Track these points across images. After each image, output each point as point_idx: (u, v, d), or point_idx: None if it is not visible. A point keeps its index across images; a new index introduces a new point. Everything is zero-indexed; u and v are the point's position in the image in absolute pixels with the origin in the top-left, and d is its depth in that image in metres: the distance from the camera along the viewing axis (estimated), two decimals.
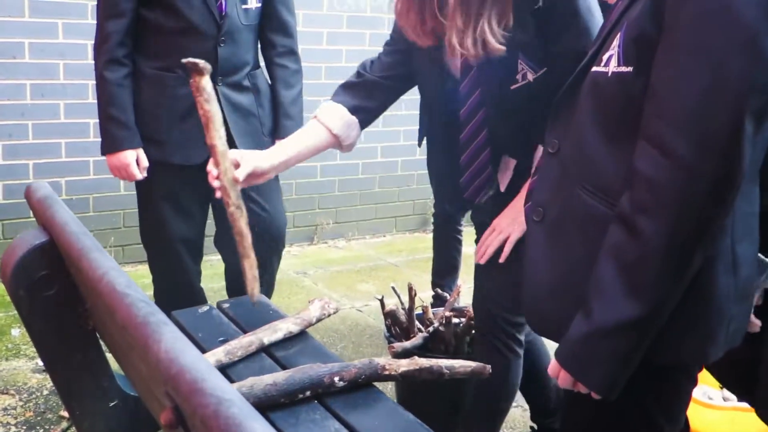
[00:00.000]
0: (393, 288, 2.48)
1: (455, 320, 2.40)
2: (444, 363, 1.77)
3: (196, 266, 2.78)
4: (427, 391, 2.40)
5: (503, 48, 1.61)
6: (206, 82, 1.70)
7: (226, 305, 2.14)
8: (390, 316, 2.46)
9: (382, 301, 2.47)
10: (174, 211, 2.63)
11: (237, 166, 1.81)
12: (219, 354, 1.78)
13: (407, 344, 2.30)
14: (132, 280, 1.27)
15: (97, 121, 3.81)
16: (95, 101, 3.78)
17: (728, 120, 1.07)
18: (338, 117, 1.93)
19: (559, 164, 1.34)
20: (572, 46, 1.63)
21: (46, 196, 1.74)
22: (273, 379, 1.62)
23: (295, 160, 1.96)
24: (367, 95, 1.96)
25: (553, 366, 1.29)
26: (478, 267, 1.99)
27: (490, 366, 1.85)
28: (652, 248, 1.13)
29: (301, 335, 1.96)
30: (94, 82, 3.76)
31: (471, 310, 2.44)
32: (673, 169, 1.10)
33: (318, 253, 4.63)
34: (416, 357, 1.77)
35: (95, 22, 3.70)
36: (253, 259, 1.82)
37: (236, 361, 1.79)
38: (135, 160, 2.53)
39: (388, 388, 2.80)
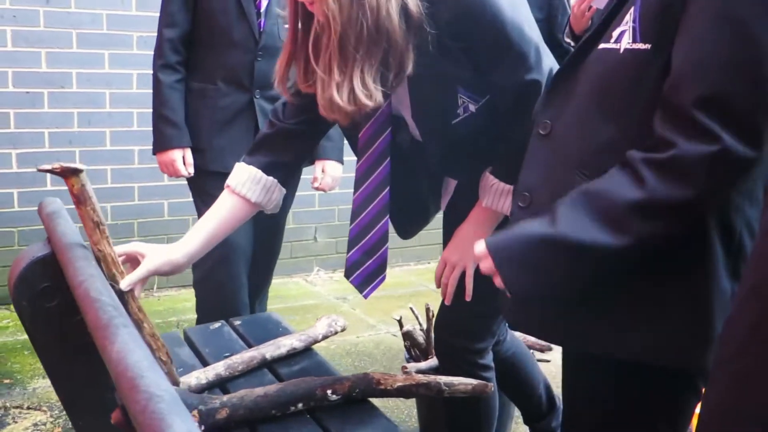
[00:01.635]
0: (411, 309, 2.47)
1: None
2: (443, 380, 1.73)
3: (242, 277, 2.76)
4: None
5: (370, 104, 1.48)
6: (74, 183, 1.45)
7: (237, 322, 2.16)
8: (408, 337, 2.43)
9: (400, 321, 2.45)
10: None
11: (136, 260, 1.66)
12: (219, 368, 1.79)
13: (422, 365, 2.27)
14: (108, 288, 1.30)
15: (142, 148, 3.98)
16: (140, 129, 3.95)
17: (754, 93, 1.04)
18: (254, 182, 1.73)
19: (551, 147, 1.29)
20: (509, 77, 1.54)
21: (54, 211, 1.80)
22: (264, 390, 1.62)
23: (215, 241, 1.74)
24: (283, 148, 1.76)
25: (482, 251, 1.26)
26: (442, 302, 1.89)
27: (492, 384, 1.81)
28: (655, 198, 1.09)
29: (307, 352, 1.96)
30: (139, 110, 3.93)
31: None
32: (699, 143, 1.06)
33: None
34: (413, 373, 1.75)
35: (139, 52, 3.87)
36: (161, 347, 1.56)
37: (237, 375, 1.80)
38: (182, 157, 2.67)
39: (413, 412, 2.77)
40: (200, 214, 2.78)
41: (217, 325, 2.15)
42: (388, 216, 1.73)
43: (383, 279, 1.78)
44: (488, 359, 1.93)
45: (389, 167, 1.69)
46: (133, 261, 1.68)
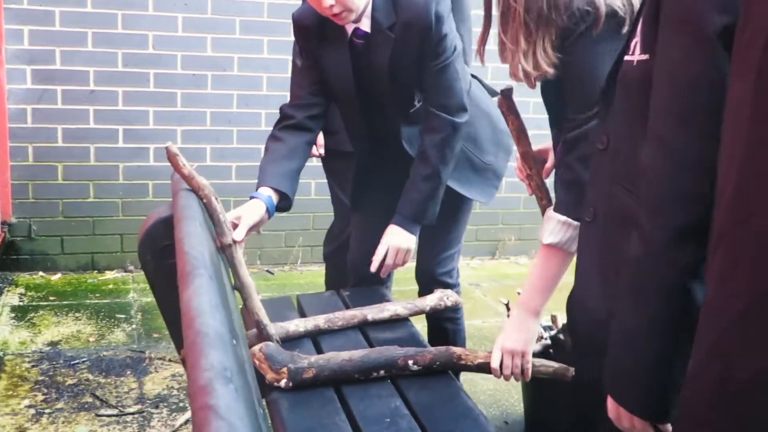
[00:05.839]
0: (519, 293, 2.50)
1: None
2: None
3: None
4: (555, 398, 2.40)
5: (550, 71, 1.63)
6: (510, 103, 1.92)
7: (346, 293, 2.29)
8: None
9: (507, 305, 2.49)
10: (343, 191, 2.83)
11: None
12: (319, 320, 1.94)
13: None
14: (201, 244, 1.45)
15: None
16: None
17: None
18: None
19: (608, 161, 1.30)
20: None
21: (179, 179, 1.99)
22: (350, 355, 1.74)
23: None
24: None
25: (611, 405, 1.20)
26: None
27: (573, 369, 1.84)
28: (654, 245, 1.07)
29: (403, 322, 2.05)
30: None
31: None
32: (659, 154, 1.06)
33: (496, 268, 4.68)
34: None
35: None
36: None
37: (335, 330, 1.94)
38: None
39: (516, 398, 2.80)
40: (332, 192, 2.95)
41: (328, 293, 2.29)
42: None
43: None
44: None
45: None
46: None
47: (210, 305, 1.12)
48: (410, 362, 1.75)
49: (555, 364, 1.81)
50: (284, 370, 1.69)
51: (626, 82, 1.22)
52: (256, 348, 1.73)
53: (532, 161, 2.02)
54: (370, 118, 2.32)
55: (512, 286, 4.27)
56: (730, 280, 0.92)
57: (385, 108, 2.26)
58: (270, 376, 1.69)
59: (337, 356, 1.74)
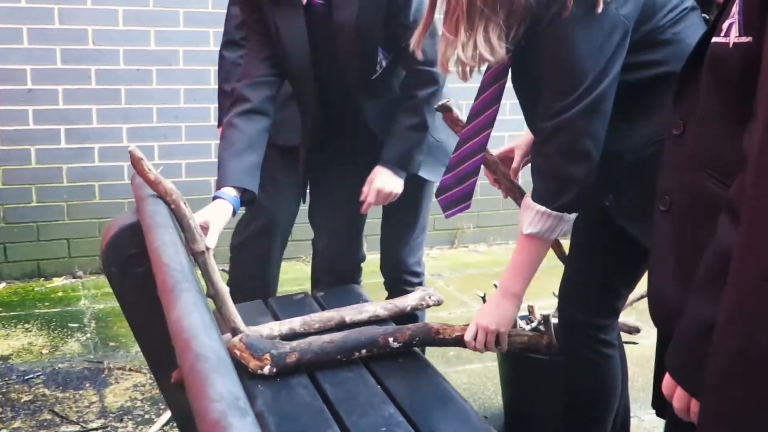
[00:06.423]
0: (495, 285, 2.45)
1: (554, 320, 2.33)
2: None
3: (279, 253, 2.72)
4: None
5: (492, 59, 1.61)
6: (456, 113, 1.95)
7: (320, 294, 2.21)
8: None
9: (484, 298, 2.44)
10: (269, 190, 2.58)
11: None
12: (294, 323, 1.87)
13: None
14: (179, 254, 1.35)
15: None
16: None
17: None
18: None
19: (685, 147, 1.23)
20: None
21: (142, 183, 1.88)
22: (330, 337, 1.74)
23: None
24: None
25: (667, 382, 1.16)
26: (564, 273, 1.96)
27: (547, 336, 1.90)
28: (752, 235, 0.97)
29: (382, 322, 1.98)
30: None
31: None
32: None
33: (456, 257, 4.64)
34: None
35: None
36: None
37: (312, 332, 1.87)
38: None
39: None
40: (263, 184, 2.76)
41: (300, 296, 2.20)
42: (483, 153, 1.92)
43: (466, 207, 2.01)
44: (612, 336, 1.92)
45: (497, 112, 1.85)
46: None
47: (203, 324, 1.03)
48: (390, 339, 1.78)
49: (529, 333, 1.90)
50: (267, 356, 1.67)
51: (719, 66, 1.13)
52: (236, 339, 1.70)
53: (494, 166, 2.01)
54: (327, 93, 2.21)
55: (474, 275, 4.25)
56: (754, 245, 0.91)
57: (344, 77, 2.15)
58: (253, 363, 1.67)
59: (318, 339, 1.74)
